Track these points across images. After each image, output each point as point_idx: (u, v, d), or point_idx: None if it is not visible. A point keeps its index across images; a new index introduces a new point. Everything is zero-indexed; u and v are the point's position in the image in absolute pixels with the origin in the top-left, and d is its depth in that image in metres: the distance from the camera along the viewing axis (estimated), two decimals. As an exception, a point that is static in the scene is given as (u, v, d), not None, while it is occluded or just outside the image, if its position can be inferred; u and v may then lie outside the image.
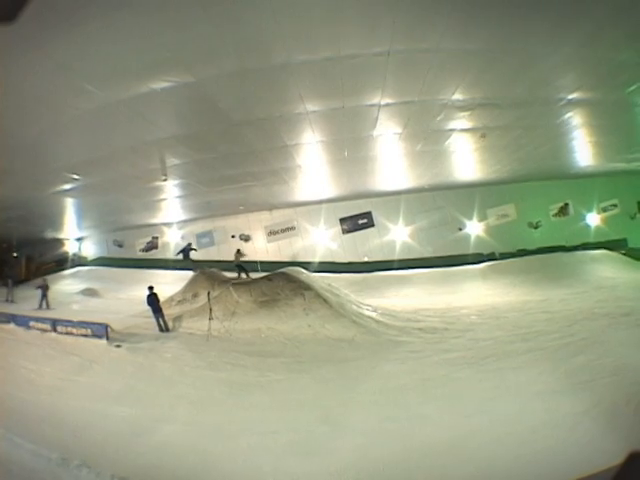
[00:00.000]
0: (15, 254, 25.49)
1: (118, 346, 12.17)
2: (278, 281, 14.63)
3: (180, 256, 20.74)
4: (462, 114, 11.06)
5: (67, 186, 14.62)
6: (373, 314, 14.11)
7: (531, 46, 7.75)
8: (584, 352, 9.65)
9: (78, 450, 6.46)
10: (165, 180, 13.91)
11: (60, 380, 10.10)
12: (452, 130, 12.36)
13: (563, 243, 21.31)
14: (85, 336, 12.72)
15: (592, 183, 21.22)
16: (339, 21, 6.66)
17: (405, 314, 14.77)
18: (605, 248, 20.73)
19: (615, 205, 21.78)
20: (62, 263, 25.91)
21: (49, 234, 24.39)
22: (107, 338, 12.51)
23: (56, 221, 20.96)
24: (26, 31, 5.41)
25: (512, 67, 8.62)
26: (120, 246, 25.46)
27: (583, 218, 22.02)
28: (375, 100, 9.81)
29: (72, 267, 25.53)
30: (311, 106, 9.89)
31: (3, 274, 23.97)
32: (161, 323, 13.69)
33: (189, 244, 21.10)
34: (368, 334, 12.57)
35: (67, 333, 13.03)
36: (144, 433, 7.52)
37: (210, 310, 13.28)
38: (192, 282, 16.94)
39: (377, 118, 10.86)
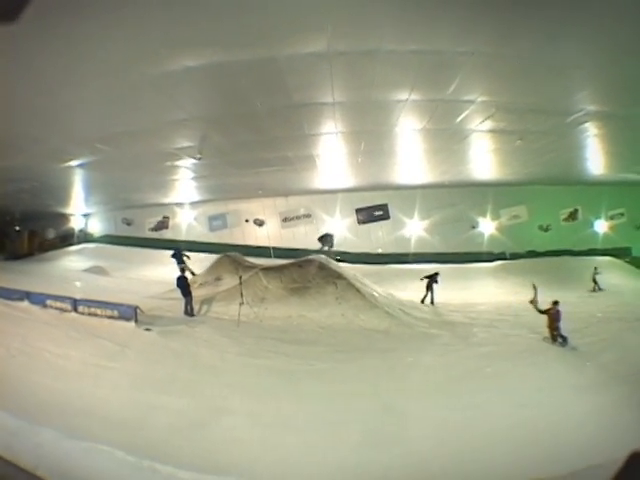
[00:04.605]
0: (17, 227, 24.51)
1: (148, 329, 11.63)
2: (309, 268, 14.48)
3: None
4: (506, 116, 11.22)
5: (86, 159, 14.21)
6: (400, 306, 14.13)
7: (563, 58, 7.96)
8: (608, 351, 10.16)
9: (135, 447, 5.57)
10: (200, 159, 13.49)
11: (92, 366, 9.28)
12: (490, 131, 12.50)
13: (570, 247, 21.77)
14: (110, 318, 12.09)
15: (601, 191, 21.51)
16: (382, 14, 6.57)
17: (427, 307, 14.92)
18: (610, 255, 21.22)
19: (622, 214, 22.14)
20: (67, 239, 25.18)
21: (56, 208, 23.62)
22: (136, 321, 11.94)
23: (65, 195, 20.30)
24: (47, 12, 5.27)
25: (553, 74, 8.77)
26: (129, 224, 24.82)
27: (591, 224, 22.39)
28: (404, 95, 9.81)
29: (77, 244, 24.82)
30: (345, 96, 9.86)
31: (4, 248, 23.18)
32: (188, 307, 13.33)
33: (178, 249, 18.71)
34: (401, 326, 12.70)
35: (90, 314, 12.33)
36: (204, 425, 7.16)
37: (241, 295, 13.01)
38: (215, 265, 16.62)
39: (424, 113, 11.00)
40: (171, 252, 18.09)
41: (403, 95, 9.72)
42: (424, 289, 15.86)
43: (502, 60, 8.07)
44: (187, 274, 14.05)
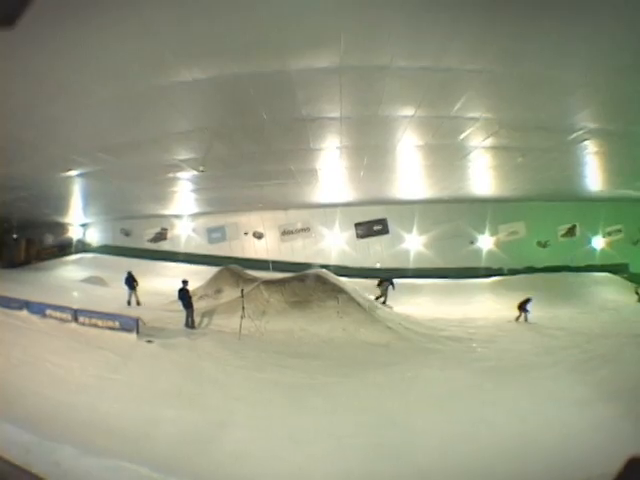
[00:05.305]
0: (15, 236, 24.40)
1: (149, 341, 11.57)
2: (310, 282, 14.53)
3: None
4: (509, 134, 11.34)
5: (86, 169, 14.16)
6: (400, 320, 14.19)
7: (567, 76, 8.14)
8: (607, 367, 10.10)
9: (147, 461, 5.49)
10: (202, 171, 13.56)
11: (95, 378, 9.21)
12: (492, 148, 12.62)
13: (568, 263, 21.90)
14: (112, 329, 11.99)
15: (599, 207, 21.64)
16: (395, 31, 6.67)
17: (427, 322, 14.99)
18: (608, 271, 21.33)
19: (620, 230, 22.28)
20: (65, 249, 25.11)
21: (54, 218, 23.55)
22: (137, 332, 11.85)
23: (64, 205, 20.25)
24: (48, 16, 5.29)
25: (552, 93, 8.94)
26: (127, 235, 24.76)
27: (589, 241, 22.53)
28: (410, 112, 9.91)
29: (75, 253, 24.77)
30: (352, 111, 9.97)
31: (1, 257, 23.02)
32: (189, 319, 13.31)
33: (129, 273, 17.41)
34: (402, 340, 12.74)
35: (90, 325, 12.24)
36: (213, 440, 7.05)
37: (243, 308, 13.02)
38: (216, 278, 16.62)
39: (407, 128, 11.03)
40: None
41: (410, 111, 9.81)
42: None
43: (509, 78, 8.20)
44: (188, 287, 13.96)
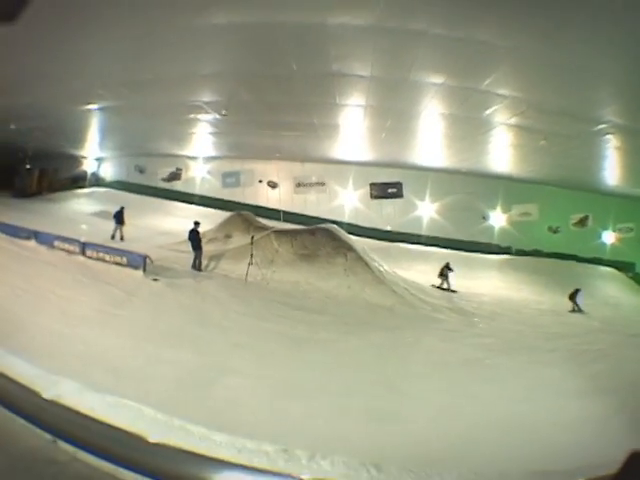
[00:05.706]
0: (28, 166, 24.24)
1: (155, 280, 11.56)
2: (320, 236, 14.52)
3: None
4: (535, 115, 11.18)
5: (108, 103, 14.08)
6: (405, 285, 14.15)
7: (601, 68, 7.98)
8: (602, 361, 10.05)
9: (141, 400, 5.67)
10: (225, 115, 13.35)
11: (99, 312, 9.23)
12: (517, 127, 12.45)
13: (575, 253, 21.55)
14: (119, 265, 12.02)
15: (613, 203, 21.02)
16: None
17: (432, 291, 15.00)
18: (614, 267, 21.07)
19: (631, 229, 21.63)
20: (78, 181, 25.03)
21: (69, 150, 23.44)
22: (144, 270, 11.84)
23: (81, 137, 20.19)
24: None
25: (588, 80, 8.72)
26: (141, 172, 24.63)
27: (599, 234, 21.96)
28: (440, 80, 9.79)
29: (88, 187, 24.72)
30: (382, 72, 9.89)
31: (13, 186, 23.03)
32: (197, 261, 13.31)
33: (122, 208, 17.27)
34: (405, 305, 12.78)
35: (98, 259, 12.28)
36: (210, 384, 7.00)
37: (251, 255, 13.04)
38: (226, 222, 16.65)
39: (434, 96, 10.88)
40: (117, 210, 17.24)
41: (439, 79, 9.72)
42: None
43: (542, 60, 8.05)
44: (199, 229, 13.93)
